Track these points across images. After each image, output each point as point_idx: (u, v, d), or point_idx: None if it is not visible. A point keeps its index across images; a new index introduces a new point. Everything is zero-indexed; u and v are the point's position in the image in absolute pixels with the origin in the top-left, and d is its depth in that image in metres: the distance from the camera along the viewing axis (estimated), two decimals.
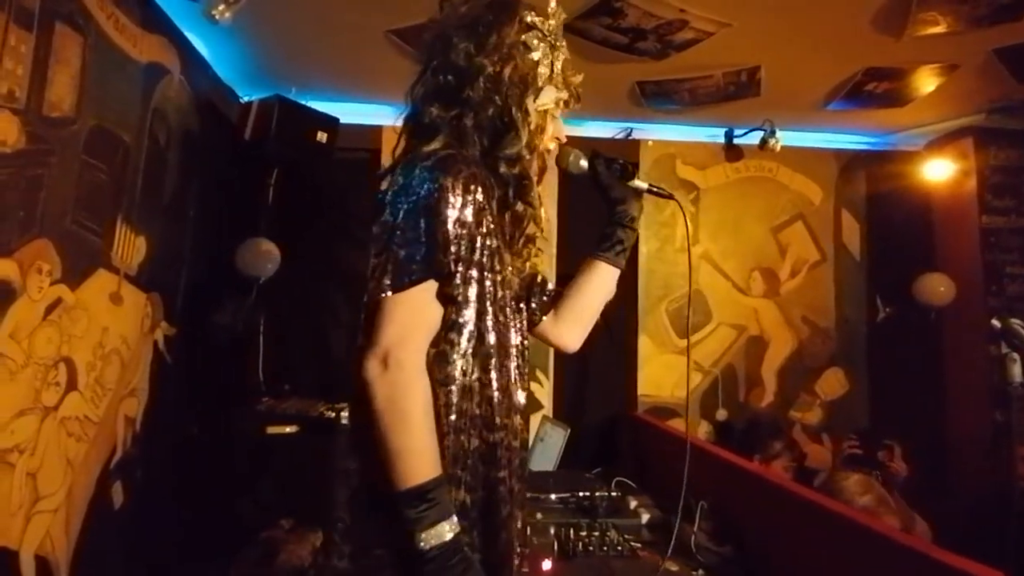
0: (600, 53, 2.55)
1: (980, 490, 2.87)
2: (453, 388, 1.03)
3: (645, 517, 2.05)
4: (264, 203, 3.02)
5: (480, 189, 1.05)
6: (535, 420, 3.08)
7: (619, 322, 3.31)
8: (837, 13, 2.28)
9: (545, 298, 1.33)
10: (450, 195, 1.02)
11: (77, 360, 1.88)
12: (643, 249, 3.38)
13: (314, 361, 3.14)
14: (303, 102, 2.90)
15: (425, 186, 1.02)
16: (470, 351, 1.05)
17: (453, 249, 1.01)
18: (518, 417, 1.12)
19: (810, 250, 3.51)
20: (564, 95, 1.21)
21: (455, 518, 0.96)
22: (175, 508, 2.56)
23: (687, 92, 2.98)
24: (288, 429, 2.67)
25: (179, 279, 2.60)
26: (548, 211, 3.18)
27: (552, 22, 1.19)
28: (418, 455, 0.95)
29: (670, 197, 1.35)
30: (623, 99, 3.08)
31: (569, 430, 2.81)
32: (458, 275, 1.03)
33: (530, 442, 2.62)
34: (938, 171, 3.35)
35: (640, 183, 1.30)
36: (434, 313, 1.03)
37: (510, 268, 1.16)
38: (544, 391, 3.25)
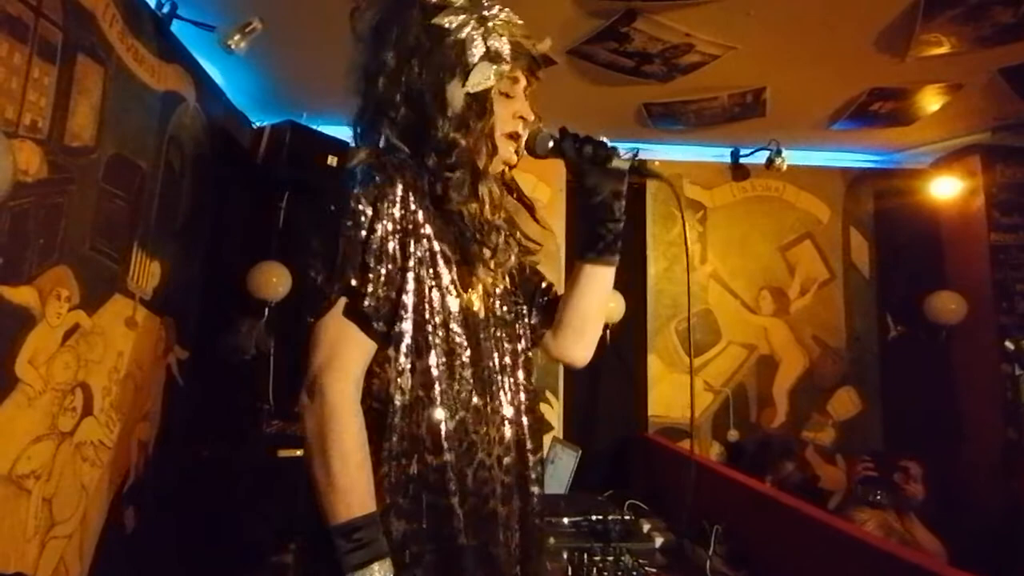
0: (606, 76, 2.59)
1: (994, 507, 2.83)
2: (393, 409, 0.95)
3: (659, 541, 2.03)
4: (275, 226, 3.06)
5: (400, 191, 0.99)
6: (545, 440, 3.07)
7: (628, 342, 3.31)
8: (841, 35, 2.32)
9: (544, 308, 1.19)
10: (359, 205, 0.96)
11: (93, 385, 1.90)
12: (651, 269, 3.40)
13: None
14: (314, 127, 2.95)
15: (334, 204, 0.99)
16: (408, 367, 0.97)
17: (370, 262, 0.95)
18: (496, 431, 1.02)
19: (819, 268, 3.51)
20: (505, 68, 1.07)
21: (389, 560, 0.89)
22: (185, 531, 2.56)
23: (693, 113, 3.01)
24: (299, 452, 2.66)
25: (192, 303, 2.62)
26: (555, 227, 3.27)
27: None
28: (343, 492, 0.89)
29: (657, 177, 1.17)
30: (630, 120, 3.11)
31: (580, 452, 2.80)
32: (375, 289, 0.95)
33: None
34: (945, 189, 3.36)
35: (620, 163, 1.10)
36: (358, 333, 0.95)
37: (481, 271, 1.06)
38: (554, 412, 3.24)
